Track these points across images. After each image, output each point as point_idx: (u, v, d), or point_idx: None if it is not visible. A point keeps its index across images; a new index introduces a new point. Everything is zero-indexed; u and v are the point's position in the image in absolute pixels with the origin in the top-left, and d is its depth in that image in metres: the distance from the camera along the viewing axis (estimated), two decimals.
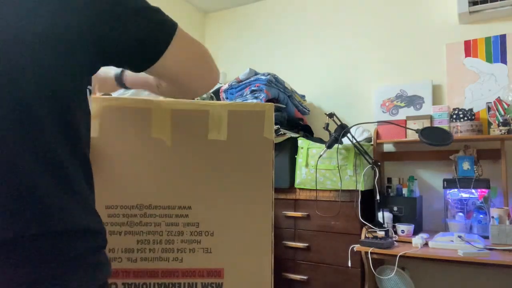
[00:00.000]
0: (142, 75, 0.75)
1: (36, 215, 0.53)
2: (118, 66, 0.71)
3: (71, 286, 0.54)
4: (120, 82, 0.91)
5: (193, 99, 0.87)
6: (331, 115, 2.24)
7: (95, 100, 0.88)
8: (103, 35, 0.60)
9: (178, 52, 0.70)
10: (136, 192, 0.85)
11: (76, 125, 0.60)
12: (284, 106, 2.50)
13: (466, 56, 2.43)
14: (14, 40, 0.53)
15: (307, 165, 2.26)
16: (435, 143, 1.99)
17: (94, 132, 0.85)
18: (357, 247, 2.02)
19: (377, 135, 2.42)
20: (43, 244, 0.53)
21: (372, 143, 2.42)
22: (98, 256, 0.60)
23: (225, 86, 2.59)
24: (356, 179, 2.13)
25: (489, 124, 2.26)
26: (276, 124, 2.35)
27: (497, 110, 2.17)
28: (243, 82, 2.50)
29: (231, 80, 2.62)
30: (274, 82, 2.43)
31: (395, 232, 2.14)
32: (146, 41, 0.65)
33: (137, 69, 0.69)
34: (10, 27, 0.53)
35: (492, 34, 2.37)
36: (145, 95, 2.36)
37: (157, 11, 0.69)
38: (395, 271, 1.96)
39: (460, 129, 2.20)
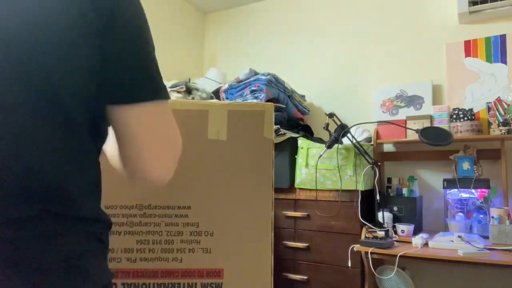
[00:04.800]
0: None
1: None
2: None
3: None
4: None
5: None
6: (331, 115, 2.24)
7: None
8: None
9: (149, 118, 0.62)
10: (136, 192, 0.85)
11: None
12: (284, 106, 2.50)
13: (466, 56, 2.42)
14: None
15: (307, 165, 2.26)
16: (435, 143, 1.99)
17: None
18: (357, 247, 2.02)
19: (377, 135, 2.42)
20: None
21: (372, 143, 2.42)
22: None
23: (225, 86, 2.58)
24: (356, 179, 2.13)
25: (489, 124, 2.26)
26: (276, 124, 2.34)
27: (497, 110, 2.17)
28: (243, 82, 2.50)
29: (231, 80, 2.62)
30: (274, 82, 2.43)
31: (395, 232, 2.14)
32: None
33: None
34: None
35: (492, 34, 2.37)
36: None
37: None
38: (395, 271, 1.96)
39: (460, 129, 2.20)
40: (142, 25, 0.62)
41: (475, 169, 2.19)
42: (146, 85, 0.61)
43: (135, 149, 0.63)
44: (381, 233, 2.00)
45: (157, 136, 0.63)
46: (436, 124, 2.30)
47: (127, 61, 0.59)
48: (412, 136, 2.25)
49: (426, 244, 1.97)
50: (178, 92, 2.37)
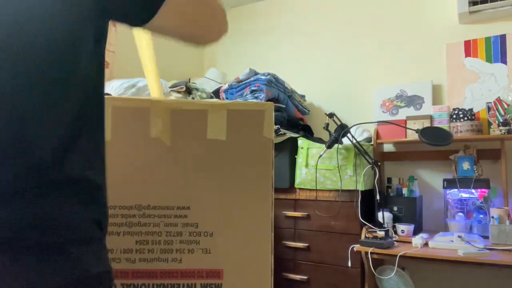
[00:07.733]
0: None
1: None
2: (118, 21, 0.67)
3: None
4: None
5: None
6: (331, 115, 2.23)
7: None
8: None
9: (175, 7, 0.66)
10: (135, 192, 0.85)
11: None
12: (284, 106, 2.50)
13: (466, 56, 2.42)
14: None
15: (307, 165, 2.26)
16: (435, 143, 1.99)
17: None
18: (357, 247, 2.02)
19: (377, 135, 2.41)
20: None
21: (372, 143, 2.42)
22: None
23: (225, 86, 2.58)
24: (356, 179, 2.13)
25: (489, 124, 2.25)
26: (276, 124, 2.34)
27: (497, 110, 2.17)
28: (243, 82, 2.49)
29: (231, 80, 2.62)
30: (274, 82, 2.43)
31: (395, 232, 2.14)
32: None
33: (135, 23, 0.67)
34: None
35: (492, 34, 2.37)
36: (146, 95, 2.36)
37: None
38: (395, 271, 1.96)
39: (460, 129, 2.20)
40: None
41: (475, 169, 2.19)
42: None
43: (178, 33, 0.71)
44: (381, 233, 2.00)
45: (188, 19, 0.69)
46: (436, 124, 2.30)
47: None
48: (412, 136, 2.25)
49: (426, 244, 1.97)
50: (178, 92, 2.37)
